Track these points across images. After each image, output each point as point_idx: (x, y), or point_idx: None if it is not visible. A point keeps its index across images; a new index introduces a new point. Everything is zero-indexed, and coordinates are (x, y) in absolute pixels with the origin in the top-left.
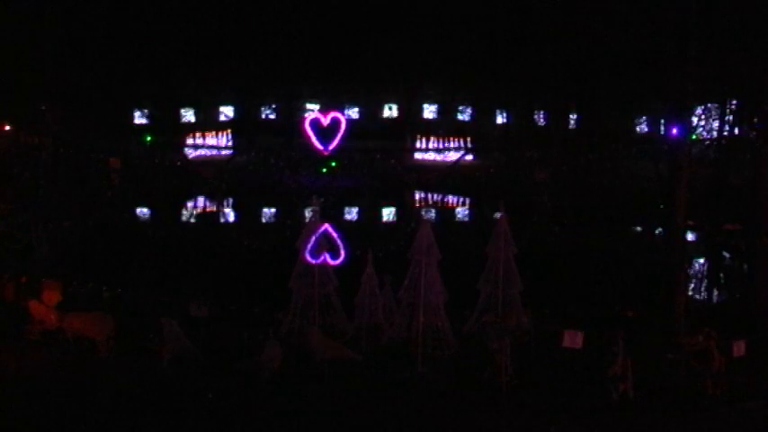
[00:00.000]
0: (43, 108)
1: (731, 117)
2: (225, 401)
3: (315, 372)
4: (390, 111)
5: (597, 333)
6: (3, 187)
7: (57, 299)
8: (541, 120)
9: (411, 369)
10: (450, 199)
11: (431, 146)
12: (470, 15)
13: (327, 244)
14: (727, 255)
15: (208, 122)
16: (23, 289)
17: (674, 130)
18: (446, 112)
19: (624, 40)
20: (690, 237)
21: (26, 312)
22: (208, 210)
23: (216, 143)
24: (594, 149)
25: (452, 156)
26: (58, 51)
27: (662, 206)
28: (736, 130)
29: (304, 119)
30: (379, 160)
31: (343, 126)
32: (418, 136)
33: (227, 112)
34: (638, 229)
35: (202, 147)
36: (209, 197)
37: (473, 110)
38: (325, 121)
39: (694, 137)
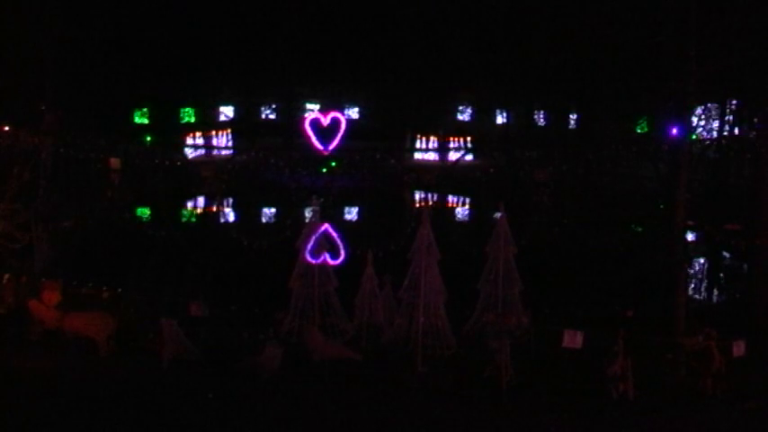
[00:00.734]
0: (43, 108)
1: (731, 117)
2: (225, 401)
3: (315, 372)
4: (389, 110)
5: (597, 333)
6: (3, 187)
7: (57, 299)
8: (541, 120)
9: (411, 369)
10: (450, 199)
11: (431, 146)
12: (470, 15)
13: (327, 244)
14: (727, 255)
15: (208, 122)
16: (23, 289)
17: (674, 130)
18: (446, 112)
19: (624, 39)
20: (690, 237)
21: (26, 312)
22: (208, 210)
23: (216, 143)
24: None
25: (452, 156)
26: (59, 51)
27: (662, 206)
28: (736, 130)
29: (304, 119)
30: (379, 160)
31: (343, 126)
32: (418, 136)
33: (227, 112)
34: (639, 228)
35: (202, 147)
36: (209, 197)
37: (473, 110)
38: (325, 121)
39: (694, 137)
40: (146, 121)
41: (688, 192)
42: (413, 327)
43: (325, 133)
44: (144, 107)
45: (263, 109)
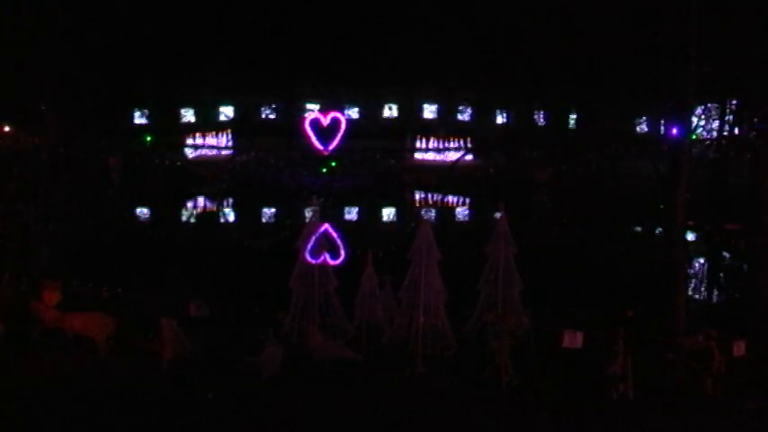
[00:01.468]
0: (43, 108)
1: (731, 117)
2: (225, 401)
3: (315, 372)
4: (390, 111)
5: (597, 333)
6: (3, 187)
7: (57, 299)
8: (541, 120)
9: (411, 369)
10: (450, 199)
11: (431, 146)
12: (471, 15)
13: (327, 244)
14: (727, 255)
15: (208, 122)
16: (23, 289)
17: (674, 130)
18: (446, 112)
19: (624, 39)
20: (690, 237)
21: (26, 312)
22: (208, 210)
23: (216, 143)
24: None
25: (452, 156)
26: (59, 51)
27: (662, 206)
28: (736, 130)
29: (304, 119)
30: (379, 160)
31: (343, 126)
32: (418, 136)
33: (227, 112)
34: (638, 228)
35: (202, 147)
36: (209, 197)
37: (473, 110)
38: (325, 121)
39: (694, 137)
40: (145, 120)
41: (688, 192)
42: (413, 327)
43: (325, 133)
44: (144, 107)
45: (262, 109)
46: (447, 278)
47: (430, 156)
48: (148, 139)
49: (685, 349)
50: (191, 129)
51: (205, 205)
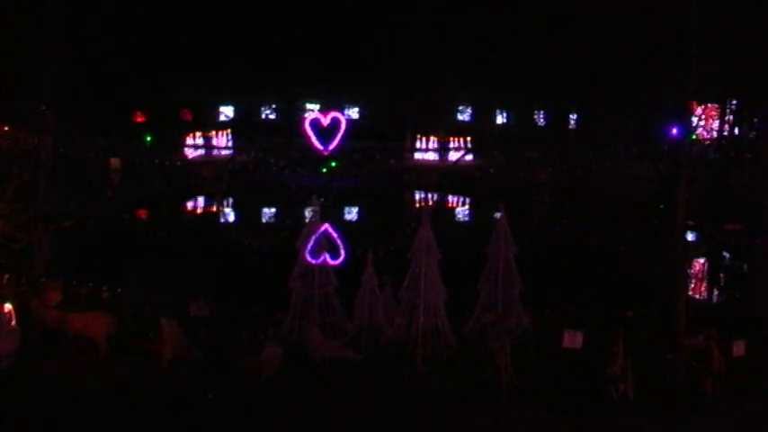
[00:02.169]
0: (43, 108)
1: (731, 117)
2: (225, 401)
3: (315, 372)
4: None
5: (597, 333)
6: (3, 187)
7: (57, 299)
8: (541, 120)
9: (411, 369)
10: (451, 199)
11: (431, 146)
12: (470, 15)
13: (327, 244)
14: (727, 255)
15: (208, 122)
16: (23, 289)
17: (674, 130)
18: (446, 111)
19: (624, 39)
20: (690, 237)
21: (26, 312)
22: (208, 210)
23: (216, 143)
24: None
25: (452, 156)
26: (59, 51)
27: (662, 206)
28: (736, 130)
29: (304, 119)
30: (379, 160)
31: (343, 126)
32: (418, 136)
33: (227, 112)
34: (638, 228)
35: (202, 147)
36: (209, 197)
37: (473, 110)
38: (325, 121)
39: (694, 137)
40: (145, 120)
41: (688, 192)
42: (413, 327)
43: (326, 133)
44: (144, 107)
45: (263, 109)
46: (447, 278)
47: (430, 156)
48: (148, 138)
49: (685, 349)
50: (191, 129)
51: (205, 205)
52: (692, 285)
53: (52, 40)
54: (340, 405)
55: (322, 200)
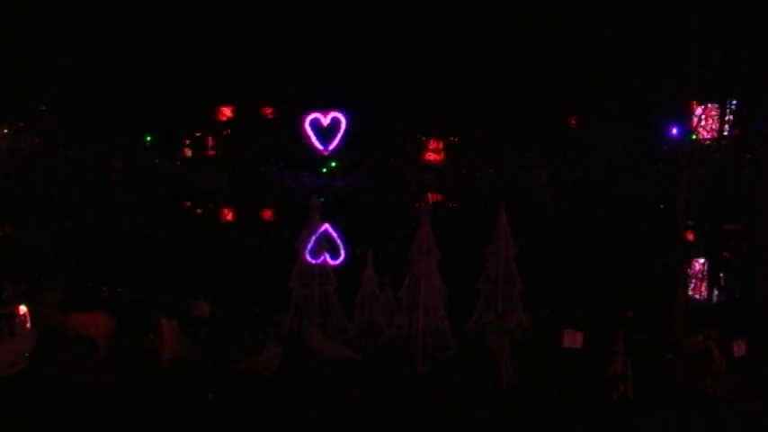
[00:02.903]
0: (43, 108)
1: (731, 117)
2: (225, 401)
3: (315, 372)
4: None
5: (597, 333)
6: (3, 187)
7: (57, 299)
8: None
9: (411, 369)
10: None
11: (431, 146)
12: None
13: (327, 244)
14: (727, 255)
15: (207, 122)
16: (23, 289)
17: (674, 130)
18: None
19: (625, 39)
20: (690, 237)
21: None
22: (207, 209)
23: (216, 143)
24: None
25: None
26: (59, 52)
27: (662, 206)
28: (736, 130)
29: (304, 119)
30: (379, 160)
31: (344, 126)
32: (418, 136)
33: (227, 112)
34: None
35: (203, 147)
36: (209, 197)
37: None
38: (325, 121)
39: (694, 137)
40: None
41: (688, 192)
42: (413, 327)
43: (325, 133)
44: (144, 107)
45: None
46: (447, 278)
47: (430, 156)
48: (148, 139)
49: (685, 349)
50: (191, 128)
51: (205, 205)
52: (692, 285)
53: (53, 41)
54: (340, 405)
55: (322, 200)
